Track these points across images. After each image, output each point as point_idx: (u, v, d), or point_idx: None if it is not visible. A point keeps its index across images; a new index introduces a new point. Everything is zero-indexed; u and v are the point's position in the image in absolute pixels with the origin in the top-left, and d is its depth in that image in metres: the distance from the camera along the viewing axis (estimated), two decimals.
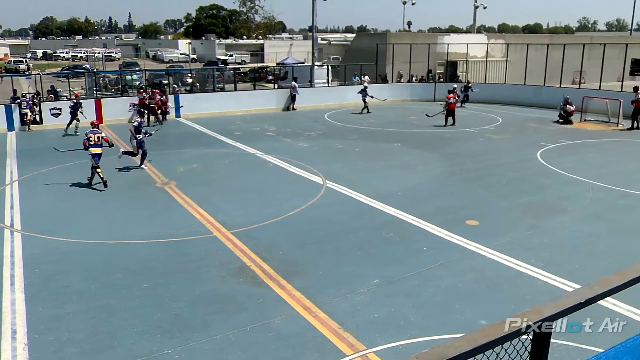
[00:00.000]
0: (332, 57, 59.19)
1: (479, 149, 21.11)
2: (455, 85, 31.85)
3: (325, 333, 7.74)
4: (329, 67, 40.87)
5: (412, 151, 20.61)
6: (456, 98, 26.65)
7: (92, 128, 15.83)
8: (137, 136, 17.13)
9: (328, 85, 37.80)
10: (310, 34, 47.61)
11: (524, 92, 35.05)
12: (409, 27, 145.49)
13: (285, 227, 12.20)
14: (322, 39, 66.77)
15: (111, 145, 16.30)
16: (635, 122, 25.79)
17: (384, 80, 39.91)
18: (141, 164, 17.57)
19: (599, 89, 31.48)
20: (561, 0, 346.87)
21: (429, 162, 18.74)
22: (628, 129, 25.48)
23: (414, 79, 40.20)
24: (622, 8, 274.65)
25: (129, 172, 17.27)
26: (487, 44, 44.13)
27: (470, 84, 35.12)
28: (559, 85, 33.72)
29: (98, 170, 15.33)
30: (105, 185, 15.33)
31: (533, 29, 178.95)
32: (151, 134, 18.54)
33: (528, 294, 8.92)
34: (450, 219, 12.68)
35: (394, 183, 15.98)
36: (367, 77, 39.03)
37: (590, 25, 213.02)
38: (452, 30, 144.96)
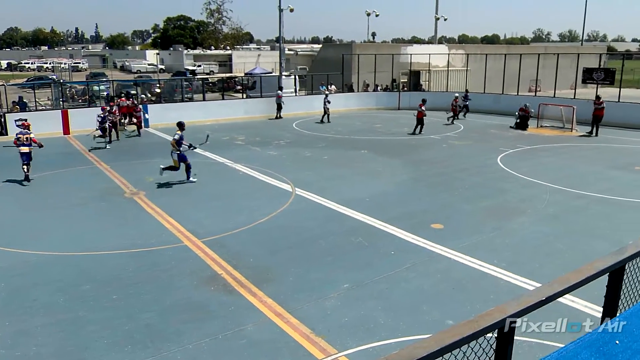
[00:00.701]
0: (299, 67, 59.32)
1: (443, 155, 21.38)
2: (457, 95, 31.63)
3: (298, 338, 7.73)
4: (297, 76, 40.94)
5: (379, 158, 20.75)
6: (423, 110, 26.37)
7: (23, 129, 17.25)
8: (180, 149, 16.55)
9: (296, 95, 37.84)
10: (278, 44, 47.69)
11: (484, 100, 35.73)
12: (374, 38, 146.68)
13: (255, 234, 12.15)
14: (289, 50, 66.98)
15: (41, 146, 17.39)
16: (594, 128, 26.20)
17: (350, 89, 40.14)
18: (188, 177, 16.85)
19: (554, 96, 32.61)
20: (517, 12, 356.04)
21: (395, 169, 18.89)
22: (587, 135, 26.05)
23: (379, 88, 40.52)
24: (574, 20, 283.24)
25: (151, 182, 17.03)
26: (448, 54, 44.99)
27: (468, 93, 33.68)
28: (516, 93, 34.84)
29: (28, 166, 16.94)
30: (28, 180, 16.92)
31: (491, 40, 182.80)
32: (195, 147, 17.33)
33: (492, 293, 9.05)
34: (416, 223, 12.80)
35: (361, 189, 16.06)
36: (333, 87, 39.22)
37: (544, 36, 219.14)
38: (415, 41, 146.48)
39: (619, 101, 29.65)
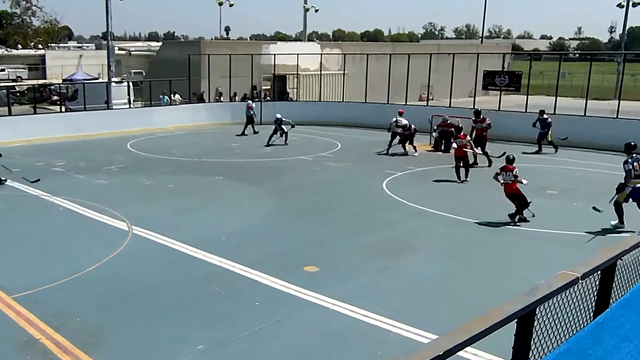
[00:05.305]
0: (133, 71, 58.40)
1: (315, 180, 21.89)
2: (545, 116, 27.63)
3: None
4: (130, 83, 40.23)
5: (236, 185, 20.85)
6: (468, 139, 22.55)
7: None
8: None
9: (130, 107, 37.11)
10: (105, 42, 46.60)
11: (365, 111, 36.53)
12: (227, 34, 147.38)
13: (82, 286, 11.76)
14: (120, 49, 65.53)
15: None
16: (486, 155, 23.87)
17: (200, 99, 39.93)
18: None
19: (449, 106, 33.36)
20: (404, 3, 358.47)
21: (257, 198, 19.07)
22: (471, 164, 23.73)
23: (236, 97, 40.62)
24: (472, 12, 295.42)
25: None
26: (321, 54, 45.38)
27: (546, 116, 27.81)
28: (404, 103, 34.66)
29: None
30: None
31: (373, 36, 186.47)
32: None
33: (380, 349, 9.32)
34: (285, 265, 12.95)
35: (216, 225, 16.04)
36: (178, 96, 38.94)
37: (437, 32, 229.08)
38: (279, 37, 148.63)
39: (526, 111, 30.19)
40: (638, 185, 15.43)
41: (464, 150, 21.33)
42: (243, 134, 33.25)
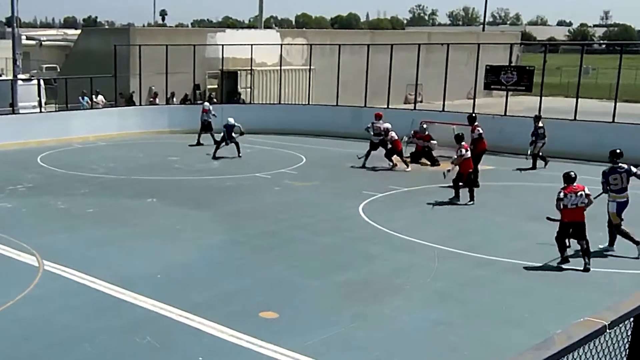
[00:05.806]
0: (45, 65, 57.98)
1: (275, 204, 21.95)
2: (541, 124, 27.78)
3: None
4: (42, 81, 40.00)
5: (176, 210, 20.87)
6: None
7: None
8: None
9: (41, 111, 36.88)
10: (9, 29, 46.34)
11: (337, 116, 36.49)
12: (164, 19, 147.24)
13: None
14: (28, 38, 65.20)
15: None
16: (474, 176, 22.97)
17: (129, 101, 39.72)
18: None
19: (443, 110, 33.33)
20: None
21: (201, 226, 19.11)
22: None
23: (174, 99, 40.46)
24: None
25: None
26: (281, 44, 45.03)
27: (541, 124, 27.82)
28: (386, 105, 34.86)
29: None
30: None
31: (347, 23, 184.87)
32: None
33: None
34: (237, 310, 12.96)
35: (149, 260, 16.01)
36: (101, 97, 38.74)
37: (427, 17, 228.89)
38: (229, 24, 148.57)
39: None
40: (622, 199, 16.05)
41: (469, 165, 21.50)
42: (198, 143, 33.14)
